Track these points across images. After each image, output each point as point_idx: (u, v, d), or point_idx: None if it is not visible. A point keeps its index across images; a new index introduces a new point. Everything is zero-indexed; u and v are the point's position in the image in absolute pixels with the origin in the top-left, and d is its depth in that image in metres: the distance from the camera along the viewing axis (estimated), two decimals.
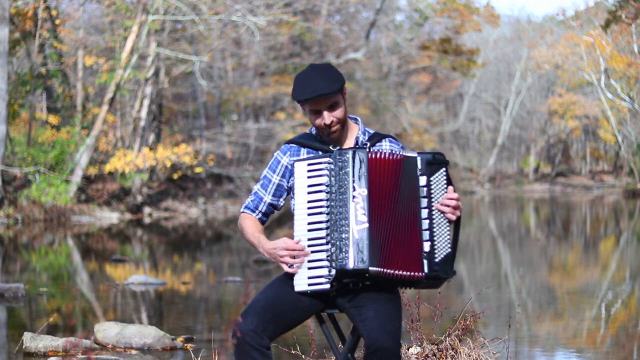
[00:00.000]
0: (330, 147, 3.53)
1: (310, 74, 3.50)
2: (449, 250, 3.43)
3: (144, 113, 25.85)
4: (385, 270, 3.32)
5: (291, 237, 3.46)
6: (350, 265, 3.30)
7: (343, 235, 3.33)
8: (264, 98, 32.99)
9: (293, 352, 5.07)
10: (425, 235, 3.39)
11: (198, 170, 27.22)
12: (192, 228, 21.14)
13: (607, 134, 45.74)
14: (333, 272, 3.34)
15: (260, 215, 3.66)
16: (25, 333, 5.86)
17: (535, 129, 53.92)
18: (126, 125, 26.55)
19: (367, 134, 3.63)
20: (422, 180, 3.42)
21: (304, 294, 3.41)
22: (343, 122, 3.54)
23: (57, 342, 5.81)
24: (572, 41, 37.72)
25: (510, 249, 15.76)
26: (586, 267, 12.73)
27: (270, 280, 3.55)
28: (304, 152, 3.61)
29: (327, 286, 3.36)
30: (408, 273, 3.35)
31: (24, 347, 5.80)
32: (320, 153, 3.55)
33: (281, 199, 3.66)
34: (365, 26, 36.96)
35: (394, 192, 3.40)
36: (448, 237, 3.43)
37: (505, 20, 54.57)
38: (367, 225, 3.34)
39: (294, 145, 3.64)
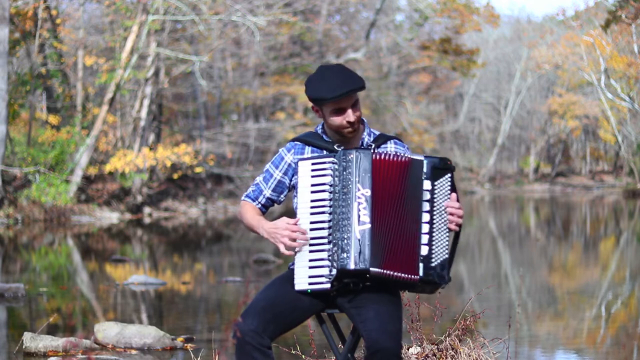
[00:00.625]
0: (335, 147, 3.52)
1: (332, 72, 3.46)
2: (446, 256, 3.43)
3: (144, 113, 25.84)
4: (385, 271, 3.32)
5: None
6: (352, 265, 3.30)
7: (345, 235, 3.33)
8: (264, 98, 32.99)
9: (293, 352, 5.07)
10: (424, 239, 3.39)
11: (198, 170, 27.22)
12: (192, 228, 21.13)
13: (607, 134, 45.74)
14: (334, 271, 3.33)
15: (259, 205, 3.66)
16: (25, 333, 5.86)
17: (535, 129, 53.91)
18: (126, 125, 26.55)
19: (372, 135, 3.63)
20: (427, 185, 3.42)
21: (304, 293, 3.41)
22: (360, 121, 3.55)
23: (57, 342, 5.81)
24: (572, 41, 37.72)
25: (510, 249, 15.76)
26: (586, 267, 12.73)
27: (270, 280, 3.54)
28: (308, 151, 3.60)
29: (328, 286, 3.35)
30: (404, 275, 3.35)
31: (24, 347, 5.80)
32: (324, 152, 3.54)
33: (281, 195, 3.66)
34: (365, 26, 36.96)
35: (398, 194, 3.40)
36: (446, 243, 3.43)
37: (505, 20, 54.60)
38: (369, 226, 3.33)
39: (299, 143, 3.63)
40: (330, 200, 3.39)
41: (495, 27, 39.68)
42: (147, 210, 24.85)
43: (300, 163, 3.47)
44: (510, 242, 17.23)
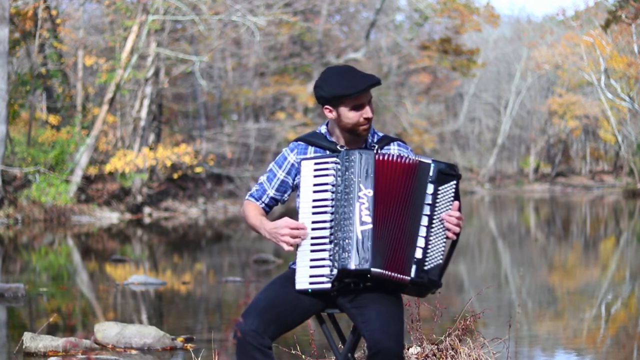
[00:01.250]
0: (338, 147, 3.52)
1: (346, 70, 3.49)
2: (440, 261, 3.42)
3: (144, 113, 25.84)
4: (386, 272, 3.32)
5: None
6: (353, 265, 3.30)
7: (346, 235, 3.33)
8: (264, 98, 32.99)
9: (293, 352, 5.07)
10: (421, 241, 3.39)
11: (198, 170, 27.22)
12: (192, 228, 21.13)
13: (607, 134, 45.74)
14: (335, 271, 3.33)
15: (263, 205, 3.68)
16: (25, 333, 5.86)
17: (535, 129, 53.91)
18: (126, 125, 26.55)
19: (376, 136, 3.63)
20: (430, 188, 3.41)
21: (304, 292, 3.41)
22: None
23: (57, 342, 5.81)
24: (572, 41, 37.72)
25: (510, 249, 15.76)
26: (586, 267, 12.73)
27: (270, 280, 3.55)
28: (311, 151, 3.61)
29: (329, 286, 3.36)
30: (396, 275, 3.34)
31: (24, 347, 5.80)
32: (327, 152, 3.55)
33: (285, 195, 3.67)
34: (365, 26, 36.96)
35: (401, 195, 3.40)
36: (442, 248, 3.44)
37: (505, 20, 54.61)
38: (371, 226, 3.34)
39: (302, 143, 3.63)
40: (332, 200, 3.39)
41: (495, 27, 39.68)
42: (147, 210, 24.85)
43: (303, 163, 3.48)
44: (510, 242, 17.23)
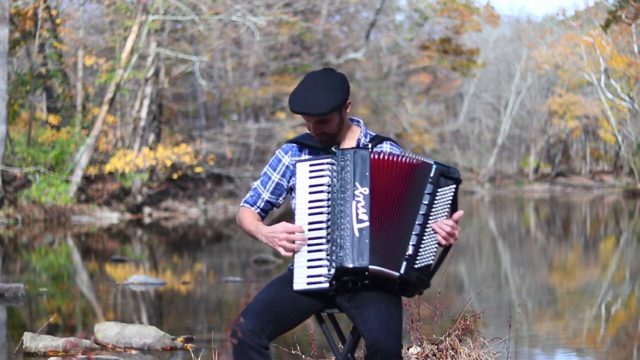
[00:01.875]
0: (333, 149, 3.53)
1: (308, 86, 3.47)
2: (431, 262, 3.42)
3: (144, 113, 25.84)
4: (384, 269, 3.32)
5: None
6: (350, 263, 3.30)
7: (343, 234, 3.33)
8: (264, 98, 32.98)
9: (293, 352, 5.07)
10: (413, 239, 3.38)
11: (198, 170, 27.22)
12: (192, 228, 21.13)
13: (607, 134, 45.74)
14: (332, 271, 3.33)
15: (258, 210, 3.67)
16: (25, 333, 5.86)
17: (535, 129, 53.91)
18: (126, 125, 26.54)
19: (368, 136, 3.63)
20: (429, 188, 3.41)
21: (303, 293, 3.41)
22: (334, 134, 3.53)
23: (57, 342, 5.81)
24: (572, 41, 37.72)
25: (510, 249, 15.76)
26: (586, 267, 12.74)
27: (269, 281, 3.55)
28: (305, 152, 3.61)
29: (326, 285, 3.35)
30: (386, 270, 3.34)
31: (24, 347, 5.80)
32: (321, 154, 3.55)
33: (280, 198, 3.67)
34: (365, 26, 36.96)
35: (397, 193, 3.40)
36: (434, 249, 3.43)
37: (505, 20, 54.59)
38: (368, 224, 3.34)
39: (295, 145, 3.64)
40: (328, 200, 3.40)
41: (495, 27, 39.69)
42: (147, 210, 24.85)
43: (298, 165, 3.48)
44: (510, 242, 17.23)
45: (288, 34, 30.23)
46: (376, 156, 3.39)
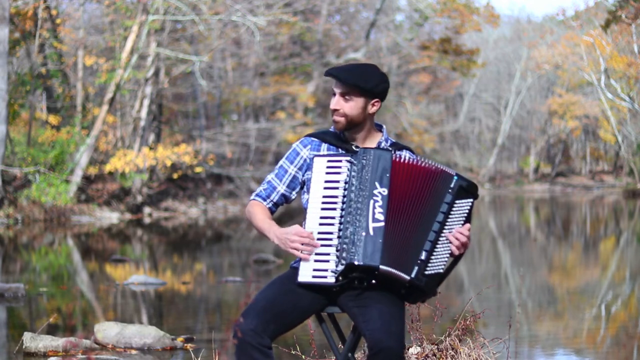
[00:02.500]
0: (353, 147, 3.53)
1: (360, 65, 3.60)
2: (441, 270, 3.44)
3: (144, 113, 25.84)
4: (394, 270, 3.32)
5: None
6: (361, 260, 3.30)
7: (358, 230, 3.33)
8: (264, 98, 32.98)
9: (293, 352, 5.07)
10: (427, 245, 3.40)
11: (198, 170, 27.22)
12: (192, 228, 21.13)
13: (607, 134, 45.74)
14: (340, 267, 3.33)
15: (271, 204, 3.65)
16: (25, 333, 5.86)
17: (535, 129, 53.92)
18: (126, 125, 26.55)
19: (389, 141, 3.66)
20: (448, 199, 3.44)
21: (306, 286, 3.40)
22: (352, 122, 3.55)
23: (57, 342, 5.81)
24: (572, 41, 37.73)
25: (510, 249, 15.76)
26: (586, 267, 12.74)
27: (270, 280, 3.54)
28: (324, 148, 3.61)
29: (332, 280, 3.35)
30: (398, 272, 3.34)
31: (24, 347, 5.80)
32: (341, 151, 3.56)
33: (294, 191, 3.66)
34: (365, 26, 36.96)
35: (415, 197, 3.41)
36: (446, 259, 3.45)
37: (505, 20, 54.61)
38: (383, 224, 3.34)
39: (316, 139, 3.64)
40: (343, 197, 3.39)
41: (495, 27, 39.69)
42: (147, 210, 24.85)
43: (316, 159, 3.48)
44: (510, 242, 17.23)
45: (288, 34, 30.24)
46: (398, 159, 3.41)
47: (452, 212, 3.45)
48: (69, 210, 21.47)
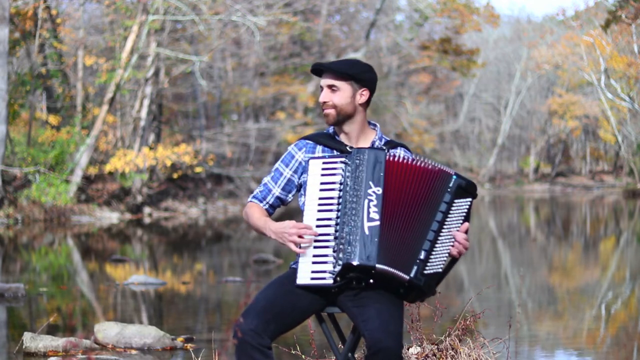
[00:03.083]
0: (348, 148, 3.54)
1: (346, 59, 3.67)
2: (440, 270, 3.44)
3: (144, 113, 25.84)
4: (390, 269, 3.32)
5: None
6: (357, 260, 3.30)
7: (353, 231, 3.33)
8: (264, 98, 32.99)
9: (293, 352, 5.07)
10: (426, 245, 3.40)
11: (198, 170, 27.22)
12: (192, 228, 21.13)
13: (607, 134, 45.74)
14: (337, 268, 3.33)
15: (267, 206, 3.67)
16: (25, 333, 5.86)
17: (535, 129, 53.92)
18: (126, 125, 26.55)
19: (383, 140, 3.66)
20: (447, 198, 3.44)
21: (305, 288, 3.40)
22: (339, 112, 3.56)
23: (57, 342, 5.81)
24: (572, 41, 37.72)
25: (510, 249, 15.76)
26: (586, 267, 12.74)
27: (270, 281, 3.54)
28: (319, 150, 3.62)
29: (330, 281, 3.35)
30: (397, 272, 3.34)
31: (24, 347, 5.80)
32: (335, 152, 3.56)
33: (290, 194, 3.67)
34: (365, 26, 36.96)
35: (412, 196, 3.41)
36: (445, 258, 3.45)
37: (505, 20, 54.60)
38: (378, 223, 3.34)
39: (310, 142, 3.65)
40: (339, 198, 3.40)
41: (495, 27, 39.68)
42: (147, 210, 24.85)
43: (311, 162, 3.48)
44: (510, 242, 17.23)
45: (288, 34, 30.24)
46: (392, 158, 3.41)
47: (451, 212, 3.45)
48: (69, 210, 21.47)
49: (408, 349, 4.87)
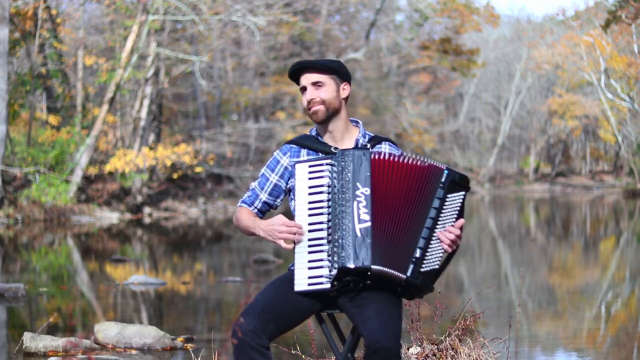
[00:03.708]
0: (332, 149, 3.53)
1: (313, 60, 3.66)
2: (436, 267, 3.43)
3: (144, 113, 25.85)
4: (386, 269, 3.32)
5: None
6: (352, 263, 3.29)
7: (345, 234, 3.32)
8: (264, 98, 32.99)
9: (293, 352, 5.07)
10: (421, 242, 3.39)
11: (198, 170, 27.22)
12: (192, 228, 21.13)
13: (607, 134, 45.75)
14: (334, 272, 3.33)
15: (256, 210, 3.68)
16: (25, 333, 5.86)
17: (535, 129, 53.92)
18: (126, 125, 26.55)
19: (367, 136, 3.65)
20: (439, 193, 3.42)
21: (304, 294, 3.41)
22: (328, 107, 3.57)
23: (57, 342, 5.81)
24: (572, 41, 37.73)
25: (510, 249, 15.76)
26: (586, 267, 12.74)
27: (270, 281, 3.54)
28: (304, 153, 3.61)
29: (328, 286, 3.35)
30: (393, 272, 3.34)
31: (24, 347, 5.80)
32: (320, 155, 3.55)
33: (278, 199, 3.67)
34: (365, 26, 36.97)
35: (402, 194, 3.40)
36: (440, 255, 3.44)
37: (505, 20, 54.61)
38: (369, 224, 3.34)
39: (294, 146, 3.65)
40: (328, 201, 3.39)
41: (495, 27, 39.69)
42: (147, 210, 24.85)
43: (297, 166, 3.48)
44: (510, 242, 17.23)
45: (288, 34, 30.24)
46: (377, 156, 3.39)
47: (444, 207, 3.43)
48: (69, 210, 21.48)
49: (408, 349, 4.87)
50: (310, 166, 3.45)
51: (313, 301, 3.43)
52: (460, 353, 4.75)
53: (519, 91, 51.77)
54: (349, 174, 3.37)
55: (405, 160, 3.41)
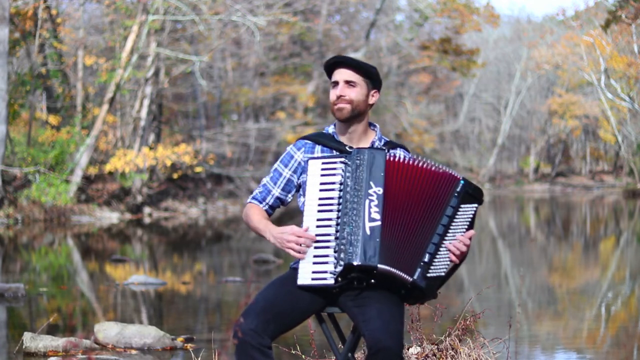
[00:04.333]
0: (347, 148, 3.53)
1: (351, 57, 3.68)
2: (442, 274, 3.43)
3: (144, 113, 25.84)
4: (392, 269, 3.32)
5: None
6: (359, 260, 3.29)
7: (354, 231, 3.32)
8: (264, 98, 32.99)
9: (293, 352, 5.07)
10: (431, 247, 3.40)
11: (198, 170, 27.22)
12: (192, 228, 21.13)
13: (607, 134, 45.74)
14: (339, 268, 3.32)
15: (267, 207, 3.67)
16: (25, 333, 5.86)
17: (535, 129, 53.92)
18: (126, 125, 26.55)
19: (382, 140, 3.67)
20: (453, 202, 3.43)
21: (306, 289, 3.40)
22: (355, 108, 3.57)
23: (57, 342, 5.81)
24: (572, 41, 37.73)
25: (510, 249, 15.77)
26: (586, 267, 12.74)
27: (270, 281, 3.54)
28: (318, 150, 3.62)
29: (331, 281, 3.34)
30: (401, 273, 3.34)
31: (24, 347, 5.80)
32: (334, 152, 3.55)
33: (289, 195, 3.66)
34: (365, 26, 36.97)
35: (413, 197, 3.40)
36: (448, 262, 3.44)
37: (505, 20, 54.61)
38: (379, 223, 3.33)
39: (309, 142, 3.64)
40: (339, 198, 3.39)
41: (495, 27, 39.69)
42: (147, 210, 24.85)
43: (310, 162, 3.47)
44: (510, 242, 17.23)
45: (288, 34, 30.24)
46: (392, 158, 3.40)
47: (457, 216, 3.44)
48: (69, 210, 21.47)
49: (408, 349, 4.87)
50: (323, 163, 3.45)
51: (314, 300, 3.43)
52: (460, 353, 4.75)
53: (519, 91, 51.77)
54: (363, 172, 3.37)
55: (421, 165, 3.41)
